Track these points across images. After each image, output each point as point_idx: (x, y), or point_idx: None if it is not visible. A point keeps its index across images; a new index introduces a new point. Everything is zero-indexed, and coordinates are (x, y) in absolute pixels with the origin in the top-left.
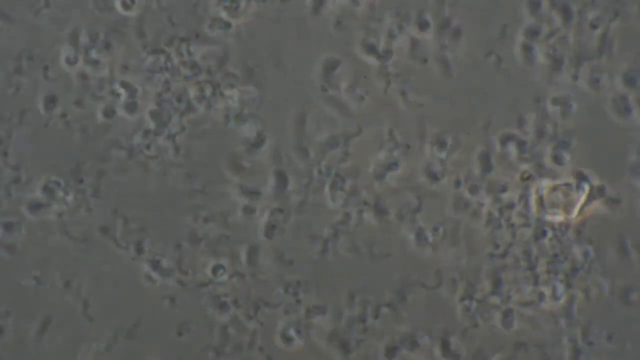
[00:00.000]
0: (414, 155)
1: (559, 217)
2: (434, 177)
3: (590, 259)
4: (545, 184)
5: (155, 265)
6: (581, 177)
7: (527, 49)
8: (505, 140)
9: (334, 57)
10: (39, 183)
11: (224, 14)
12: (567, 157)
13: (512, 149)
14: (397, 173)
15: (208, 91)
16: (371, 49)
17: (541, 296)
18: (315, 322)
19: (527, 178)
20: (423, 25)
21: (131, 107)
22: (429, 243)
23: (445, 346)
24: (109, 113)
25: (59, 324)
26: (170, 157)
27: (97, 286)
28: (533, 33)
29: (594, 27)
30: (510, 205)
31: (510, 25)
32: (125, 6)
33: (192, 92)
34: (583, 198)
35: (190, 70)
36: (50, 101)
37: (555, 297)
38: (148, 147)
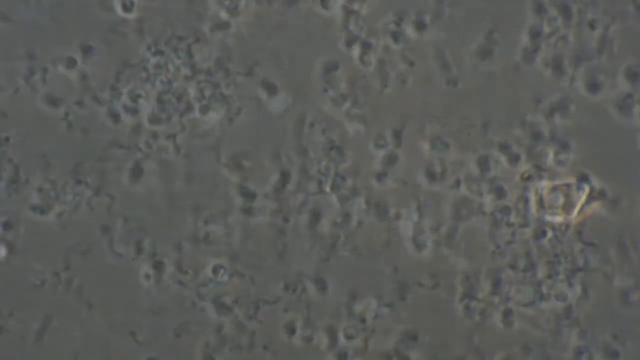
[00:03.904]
0: (414, 154)
1: (558, 217)
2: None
3: (590, 259)
4: (545, 184)
5: (155, 265)
6: (581, 177)
7: (528, 48)
8: (505, 140)
9: (334, 57)
10: (39, 183)
11: (223, 14)
12: (566, 157)
13: (511, 149)
14: (397, 173)
15: (208, 91)
16: (368, 48)
17: (541, 296)
18: (318, 323)
19: (527, 178)
20: (421, 25)
21: (131, 107)
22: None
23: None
24: (113, 115)
25: (59, 324)
26: (170, 157)
27: (97, 286)
28: (534, 33)
29: (592, 27)
30: (510, 206)
31: (510, 25)
32: (125, 8)
33: (192, 92)
34: (583, 198)
35: (191, 71)
36: (51, 101)
37: (560, 297)
38: (148, 147)
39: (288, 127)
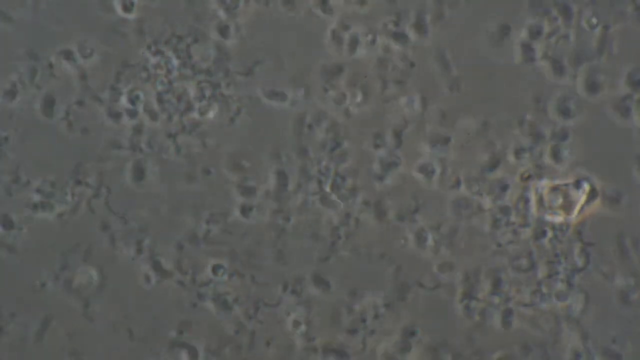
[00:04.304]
0: (414, 154)
1: (558, 217)
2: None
3: (590, 259)
4: (545, 184)
5: (155, 265)
6: (581, 177)
7: (527, 48)
8: (506, 140)
9: (334, 57)
10: (39, 183)
11: (222, 14)
12: (566, 155)
13: (512, 149)
14: (396, 173)
15: (208, 91)
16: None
17: (541, 296)
18: (317, 323)
19: (527, 178)
20: (421, 26)
21: (131, 108)
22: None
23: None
24: (113, 115)
25: (59, 324)
26: (170, 156)
27: (97, 286)
28: (534, 33)
29: (593, 27)
30: (510, 206)
31: (510, 24)
32: (125, 8)
33: (192, 92)
34: (583, 198)
35: (191, 70)
36: (51, 101)
37: (566, 304)
38: (149, 146)
39: (288, 127)
